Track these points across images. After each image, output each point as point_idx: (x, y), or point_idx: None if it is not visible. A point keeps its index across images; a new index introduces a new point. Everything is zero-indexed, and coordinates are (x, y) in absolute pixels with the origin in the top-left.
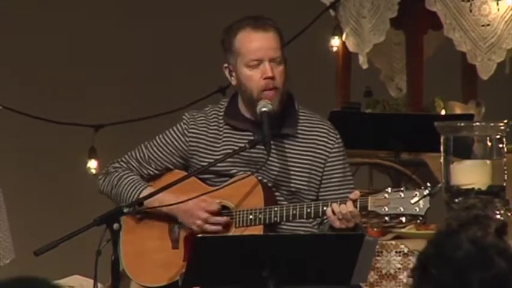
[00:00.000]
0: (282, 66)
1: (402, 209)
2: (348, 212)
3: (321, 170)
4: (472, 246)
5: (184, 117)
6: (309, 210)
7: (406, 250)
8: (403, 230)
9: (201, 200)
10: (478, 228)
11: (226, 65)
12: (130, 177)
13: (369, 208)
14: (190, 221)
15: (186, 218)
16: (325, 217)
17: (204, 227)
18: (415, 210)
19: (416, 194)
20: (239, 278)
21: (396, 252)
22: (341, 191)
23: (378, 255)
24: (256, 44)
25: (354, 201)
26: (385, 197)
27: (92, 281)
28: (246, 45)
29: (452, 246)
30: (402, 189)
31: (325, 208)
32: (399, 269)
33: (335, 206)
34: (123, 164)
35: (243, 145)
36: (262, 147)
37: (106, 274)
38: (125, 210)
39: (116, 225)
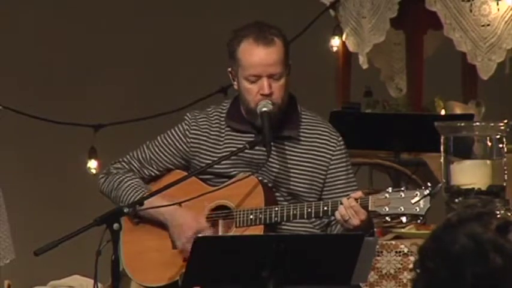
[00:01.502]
0: (282, 80)
1: (403, 209)
2: (350, 206)
3: (324, 173)
4: (469, 240)
5: (186, 117)
6: (309, 210)
7: (406, 250)
8: (403, 230)
9: (194, 219)
10: (478, 225)
11: (230, 69)
12: (131, 182)
13: (370, 208)
14: (178, 237)
15: (175, 232)
16: (332, 218)
17: (186, 246)
18: (416, 210)
19: (416, 194)
20: (239, 278)
21: (396, 252)
22: (346, 194)
23: (378, 255)
24: (255, 59)
25: (355, 200)
26: (386, 197)
27: (92, 281)
28: (246, 58)
29: (449, 240)
30: (403, 189)
31: (325, 208)
32: (399, 269)
33: (344, 200)
34: (124, 164)
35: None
36: (263, 148)
37: (106, 274)
38: (125, 210)
39: (116, 225)
